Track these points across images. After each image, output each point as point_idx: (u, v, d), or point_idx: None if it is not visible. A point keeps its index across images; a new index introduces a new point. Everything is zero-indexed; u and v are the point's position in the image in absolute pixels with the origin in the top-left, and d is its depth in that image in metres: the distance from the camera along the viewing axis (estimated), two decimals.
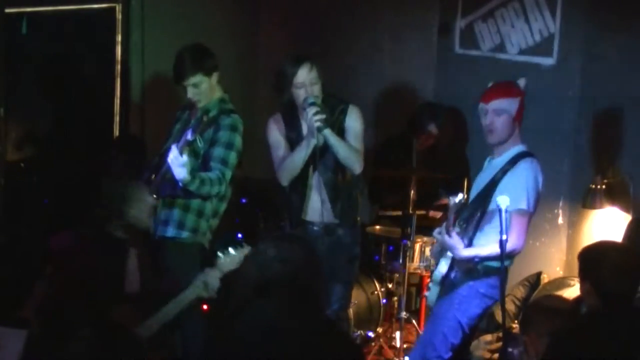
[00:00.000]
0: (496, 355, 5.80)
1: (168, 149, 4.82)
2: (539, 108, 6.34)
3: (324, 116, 4.89)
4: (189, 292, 4.27)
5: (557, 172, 6.28)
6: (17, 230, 5.90)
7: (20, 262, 3.64)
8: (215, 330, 3.39)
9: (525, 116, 6.33)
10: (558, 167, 6.28)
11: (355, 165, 5.07)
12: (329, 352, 2.90)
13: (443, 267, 4.74)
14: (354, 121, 5.12)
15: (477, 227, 4.64)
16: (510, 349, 5.31)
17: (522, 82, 4.73)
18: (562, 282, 6.12)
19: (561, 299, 3.98)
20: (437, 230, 4.70)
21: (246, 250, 4.35)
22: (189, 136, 4.69)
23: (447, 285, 4.75)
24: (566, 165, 6.27)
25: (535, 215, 6.29)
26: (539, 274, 6.35)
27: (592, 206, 6.00)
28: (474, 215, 4.64)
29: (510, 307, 6.18)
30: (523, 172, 4.59)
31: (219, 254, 4.36)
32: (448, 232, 4.60)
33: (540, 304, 3.71)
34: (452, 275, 4.72)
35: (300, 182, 5.15)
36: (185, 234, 5.05)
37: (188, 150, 4.75)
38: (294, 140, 5.14)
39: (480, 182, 4.77)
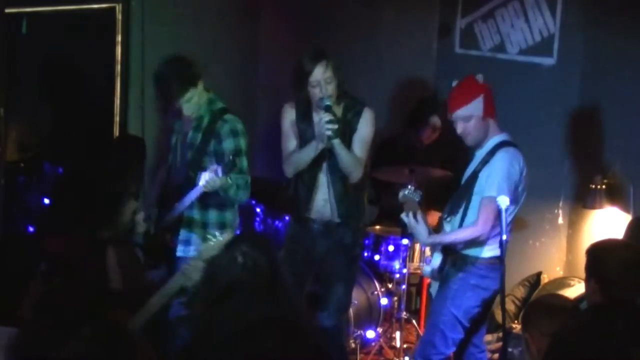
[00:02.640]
0: (496, 355, 5.80)
1: (178, 170, 4.83)
2: (539, 108, 6.34)
3: (336, 126, 4.90)
4: (171, 283, 4.24)
5: (557, 172, 6.28)
6: (16, 229, 5.90)
7: (19, 261, 3.64)
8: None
9: (526, 116, 6.38)
10: (558, 167, 6.28)
11: (354, 174, 5.08)
12: (291, 352, 2.89)
13: (436, 261, 4.79)
14: (365, 125, 5.12)
15: (463, 218, 4.72)
16: (510, 349, 5.31)
17: (480, 78, 4.75)
18: (562, 282, 6.13)
19: (564, 298, 3.97)
20: (404, 213, 4.75)
21: (226, 236, 4.36)
22: (219, 173, 4.73)
23: (442, 279, 4.81)
24: (566, 165, 6.26)
25: (535, 215, 6.35)
26: (539, 274, 6.35)
27: (592, 206, 6.00)
28: (459, 207, 4.73)
29: (510, 307, 6.19)
30: (497, 162, 4.68)
31: (199, 245, 4.37)
32: (415, 217, 4.69)
33: (542, 302, 3.69)
34: (445, 268, 4.76)
35: (310, 179, 5.15)
36: None
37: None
38: (303, 130, 5.15)
39: (466, 174, 4.86)
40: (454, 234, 4.71)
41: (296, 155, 5.13)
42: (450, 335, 4.75)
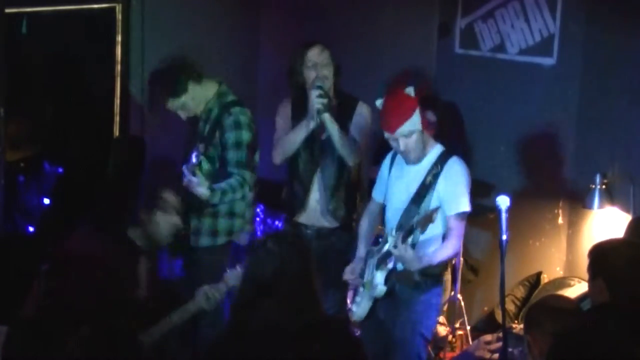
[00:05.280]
0: (496, 356, 5.80)
1: (190, 154, 4.89)
2: (539, 108, 6.34)
3: (325, 100, 4.94)
4: (191, 305, 4.28)
5: (557, 172, 6.28)
6: (16, 229, 5.90)
7: (21, 261, 3.65)
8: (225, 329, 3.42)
9: (526, 116, 6.37)
10: (558, 167, 6.28)
11: (350, 155, 5.09)
12: (327, 350, 2.91)
13: (379, 279, 4.62)
14: (361, 117, 5.16)
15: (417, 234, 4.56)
16: (510, 349, 5.31)
17: (410, 91, 4.61)
18: (562, 282, 6.12)
19: (566, 299, 3.97)
20: (392, 245, 4.53)
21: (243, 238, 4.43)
22: (194, 160, 4.77)
23: (393, 301, 4.68)
24: (566, 165, 6.26)
25: (535, 215, 6.35)
26: (539, 274, 6.35)
27: (592, 206, 5.99)
28: (410, 224, 4.50)
29: (510, 307, 6.19)
30: (458, 174, 4.60)
31: (227, 269, 4.42)
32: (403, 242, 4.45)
33: (544, 303, 3.69)
34: (396, 288, 4.65)
35: (306, 178, 5.16)
36: (220, 240, 5.09)
37: (198, 169, 4.82)
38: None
39: (404, 188, 4.68)
40: (438, 254, 4.56)
41: (285, 137, 5.15)
42: (424, 357, 4.78)
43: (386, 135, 4.61)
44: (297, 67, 5.06)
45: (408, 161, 4.66)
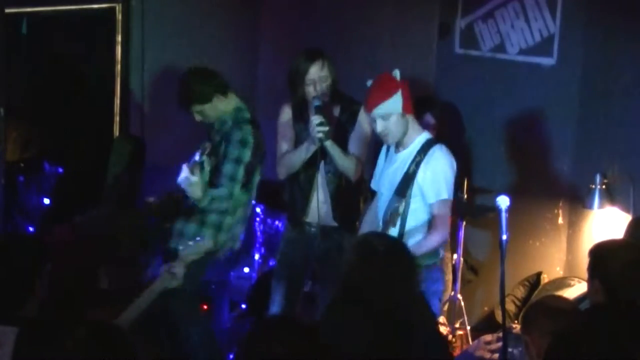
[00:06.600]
0: (496, 355, 5.80)
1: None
2: (539, 108, 6.34)
3: (326, 129, 4.92)
4: (156, 284, 4.29)
5: (557, 172, 6.28)
6: (17, 229, 5.90)
7: (21, 261, 3.64)
8: None
9: (525, 116, 6.37)
10: (558, 167, 6.28)
11: (351, 173, 5.12)
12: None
13: None
14: (362, 125, 5.14)
15: (404, 224, 4.64)
16: (510, 349, 5.32)
17: (397, 74, 4.63)
18: (562, 282, 6.12)
19: (564, 299, 3.98)
20: None
21: (207, 243, 4.48)
22: (197, 157, 4.80)
23: None
24: (566, 165, 6.26)
25: (535, 215, 6.35)
26: (539, 274, 6.35)
27: (592, 206, 5.99)
28: (397, 212, 4.61)
29: (510, 307, 6.19)
30: (439, 162, 4.62)
31: (180, 247, 4.42)
32: None
33: (542, 304, 3.70)
34: None
35: (306, 181, 5.16)
36: None
37: (199, 169, 4.83)
38: (299, 131, 5.18)
39: (391, 177, 4.73)
40: (423, 245, 4.62)
41: (288, 157, 5.17)
42: None
43: (367, 114, 4.70)
44: (297, 81, 5.04)
45: (387, 144, 4.70)
